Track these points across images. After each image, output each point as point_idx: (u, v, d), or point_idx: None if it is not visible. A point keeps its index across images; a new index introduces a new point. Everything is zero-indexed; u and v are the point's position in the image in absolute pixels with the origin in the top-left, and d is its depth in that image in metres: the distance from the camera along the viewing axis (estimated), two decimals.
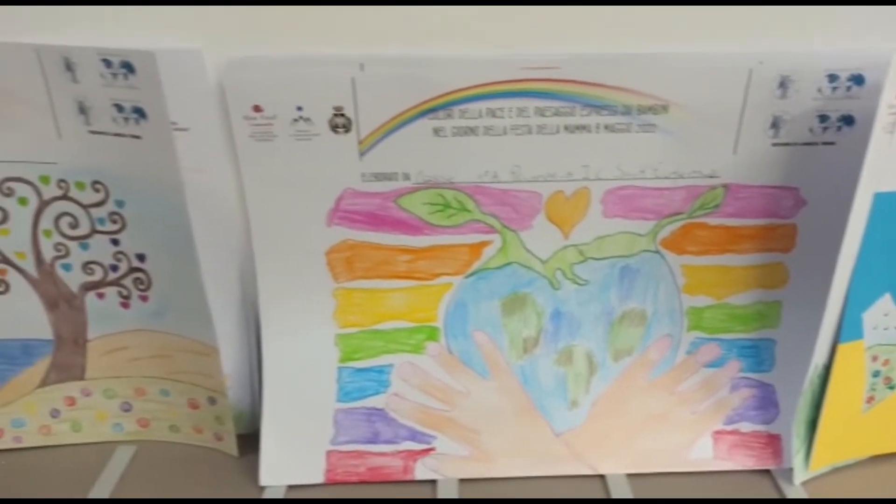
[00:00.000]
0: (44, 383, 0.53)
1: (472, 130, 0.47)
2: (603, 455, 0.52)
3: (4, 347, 0.52)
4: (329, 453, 0.52)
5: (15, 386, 0.53)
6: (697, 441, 0.53)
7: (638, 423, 0.53)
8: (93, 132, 0.45)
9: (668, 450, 0.52)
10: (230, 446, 0.53)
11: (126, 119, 0.43)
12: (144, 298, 0.50)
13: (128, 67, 0.41)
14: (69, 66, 0.43)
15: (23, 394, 0.53)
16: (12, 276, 0.50)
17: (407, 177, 0.48)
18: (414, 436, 0.52)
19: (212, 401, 0.52)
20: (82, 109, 0.44)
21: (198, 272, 0.46)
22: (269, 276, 0.51)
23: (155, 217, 0.46)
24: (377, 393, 0.53)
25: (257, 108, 0.46)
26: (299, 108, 0.46)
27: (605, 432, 0.53)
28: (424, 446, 0.52)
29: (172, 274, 0.48)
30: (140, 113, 0.43)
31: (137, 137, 0.44)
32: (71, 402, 0.54)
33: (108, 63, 0.42)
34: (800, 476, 0.51)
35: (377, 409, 0.53)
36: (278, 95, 0.45)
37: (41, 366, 0.53)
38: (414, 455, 0.52)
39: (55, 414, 0.54)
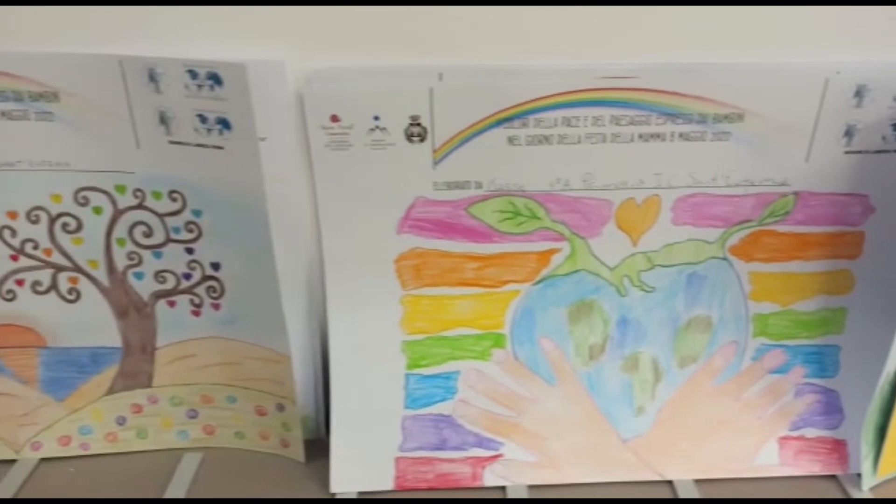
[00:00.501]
0: (111, 391, 0.53)
1: (546, 139, 0.47)
2: (670, 461, 0.52)
3: (74, 355, 0.52)
4: (398, 460, 0.52)
5: (83, 393, 0.53)
6: (763, 447, 0.53)
7: (704, 429, 0.53)
8: (173, 142, 0.45)
9: (735, 455, 0.53)
10: (297, 452, 0.54)
11: (209, 130, 0.43)
12: (216, 306, 0.51)
13: (215, 79, 0.41)
14: (153, 77, 0.43)
15: (90, 401, 0.54)
16: (84, 285, 0.50)
17: (479, 185, 0.49)
18: (481, 442, 0.53)
19: (280, 408, 0.53)
20: (163, 120, 0.44)
21: (274, 281, 0.47)
22: (337, 283, 0.51)
23: (233, 226, 0.47)
24: (444, 399, 0.53)
25: (335, 118, 0.46)
26: (376, 118, 0.46)
27: (671, 438, 0.53)
28: (492, 453, 0.52)
29: (247, 282, 0.49)
30: (224, 124, 0.43)
31: (220, 148, 0.44)
32: (137, 409, 0.54)
33: (193, 74, 0.42)
34: (868, 481, 0.51)
35: (444, 416, 0.53)
36: (356, 105, 0.45)
37: (109, 373, 0.53)
38: (482, 461, 0.52)
39: (121, 421, 0.54)
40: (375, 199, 0.49)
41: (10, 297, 0.50)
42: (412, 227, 0.50)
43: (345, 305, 0.52)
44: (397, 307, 0.52)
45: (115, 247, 0.49)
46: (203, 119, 0.43)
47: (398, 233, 0.50)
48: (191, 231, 0.48)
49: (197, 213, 0.48)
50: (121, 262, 0.50)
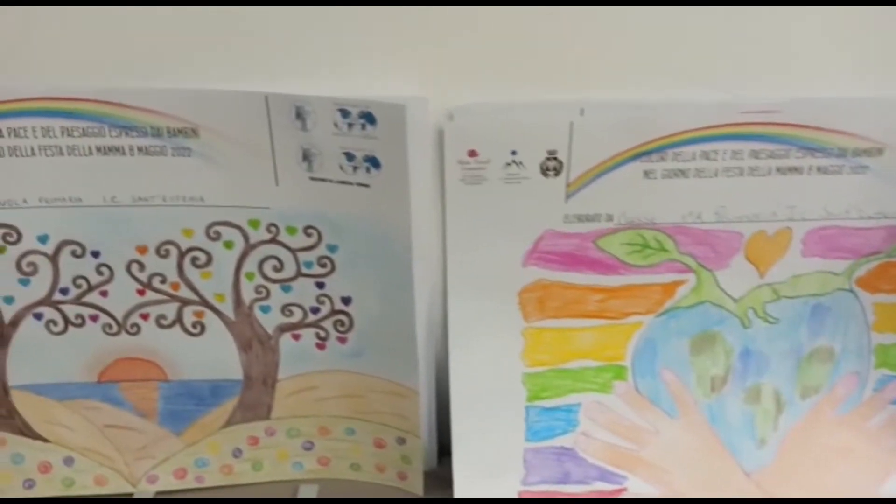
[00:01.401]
0: (229, 423, 0.53)
1: (682, 173, 0.47)
2: (793, 492, 0.52)
3: (194, 388, 0.52)
4: (521, 493, 0.52)
5: (201, 426, 0.53)
6: (887, 477, 0.53)
7: (826, 459, 0.53)
8: (314, 179, 0.45)
9: (858, 486, 0.52)
10: (415, 485, 0.53)
11: (355, 168, 0.43)
12: (343, 340, 0.50)
13: (368, 118, 0.41)
14: (300, 115, 0.43)
15: (208, 434, 0.53)
16: (209, 318, 0.50)
17: (610, 218, 0.48)
18: (604, 476, 0.52)
19: (401, 441, 0.52)
20: (306, 157, 0.44)
21: (410, 315, 0.46)
22: (460, 316, 0.51)
23: (370, 261, 0.47)
24: (565, 432, 0.53)
25: (473, 153, 0.46)
26: (513, 153, 0.46)
27: (794, 470, 0.53)
28: (616, 486, 0.52)
29: (379, 316, 0.48)
30: (373, 162, 0.43)
31: (365, 186, 0.44)
32: (254, 441, 0.54)
33: (345, 113, 0.42)
34: None
35: (566, 449, 0.52)
36: (495, 140, 0.45)
37: (228, 406, 0.53)
38: (606, 495, 0.52)
39: (237, 453, 0.54)
40: (504, 232, 0.49)
41: (135, 330, 0.50)
42: (539, 259, 0.50)
43: (466, 338, 0.51)
44: (519, 339, 0.52)
45: (243, 281, 0.49)
46: (350, 157, 0.43)
47: (524, 265, 0.50)
48: (323, 266, 0.48)
49: (332, 248, 0.47)
50: (248, 295, 0.49)
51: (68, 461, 0.53)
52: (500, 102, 0.45)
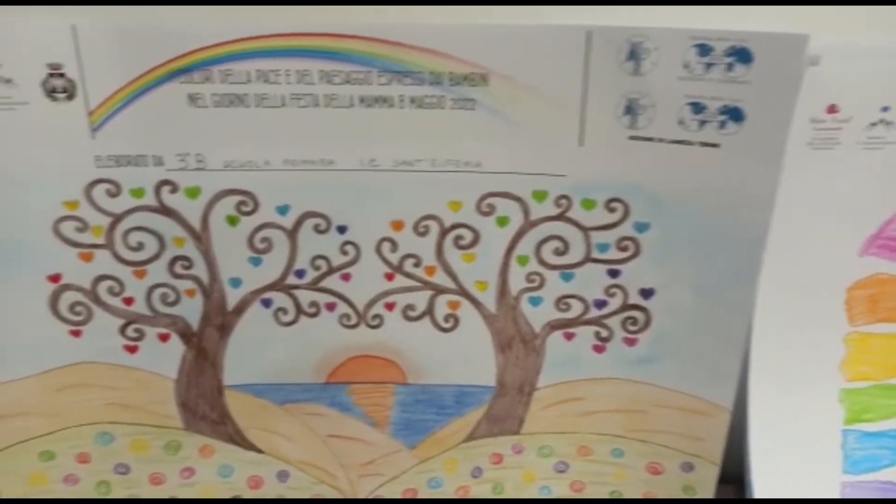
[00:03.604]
0: (471, 437, 0.44)
1: None
2: None
3: (436, 394, 0.43)
4: None
5: (438, 439, 0.44)
6: None
7: None
8: (636, 138, 0.36)
9: None
10: None
11: (703, 122, 0.34)
12: (631, 342, 0.41)
13: (739, 55, 0.32)
14: (633, 54, 0.33)
15: (445, 449, 0.45)
16: (465, 310, 0.41)
17: None
18: None
19: (688, 467, 0.43)
20: (630, 109, 0.35)
21: (745, 317, 0.37)
22: (769, 314, 0.41)
23: (695, 245, 0.37)
24: (893, 464, 0.43)
25: (832, 109, 0.36)
26: (884, 109, 0.36)
27: None
28: None
29: (692, 315, 0.39)
30: (734, 115, 0.33)
31: (713, 146, 0.34)
32: (498, 459, 0.45)
33: (704, 50, 0.32)
34: None
35: (894, 484, 0.42)
36: (864, 93, 0.36)
37: (472, 416, 0.44)
38: None
39: (477, 473, 0.45)
40: (844, 212, 0.39)
41: (377, 323, 0.42)
42: (882, 247, 0.40)
43: (773, 342, 0.42)
44: (839, 346, 0.42)
45: (513, 266, 0.40)
46: (698, 108, 0.34)
47: (861, 254, 0.40)
48: (624, 249, 0.39)
49: (641, 227, 0.38)
50: (516, 284, 0.41)
51: (283, 476, 0.45)
52: (877, 44, 0.35)
